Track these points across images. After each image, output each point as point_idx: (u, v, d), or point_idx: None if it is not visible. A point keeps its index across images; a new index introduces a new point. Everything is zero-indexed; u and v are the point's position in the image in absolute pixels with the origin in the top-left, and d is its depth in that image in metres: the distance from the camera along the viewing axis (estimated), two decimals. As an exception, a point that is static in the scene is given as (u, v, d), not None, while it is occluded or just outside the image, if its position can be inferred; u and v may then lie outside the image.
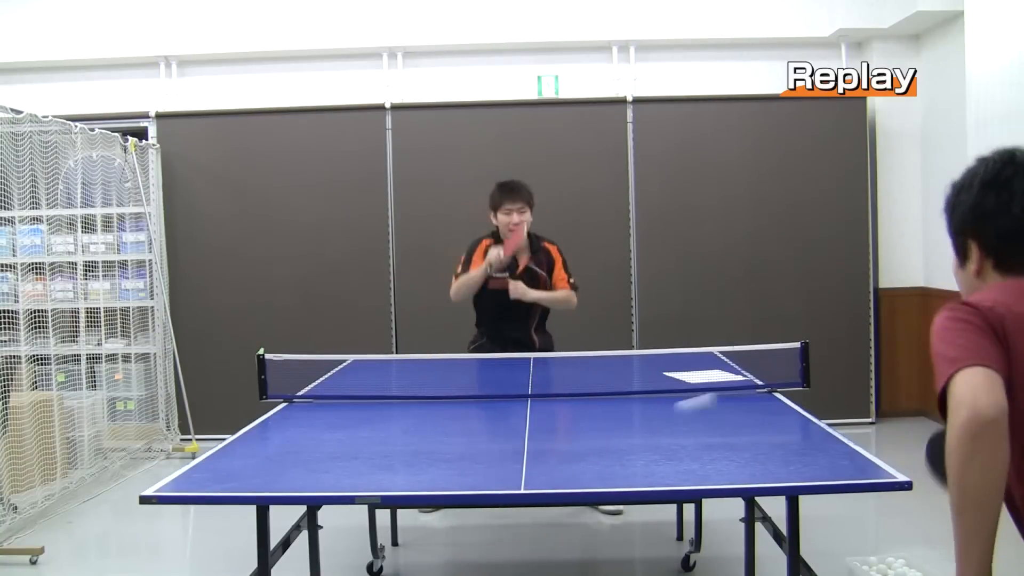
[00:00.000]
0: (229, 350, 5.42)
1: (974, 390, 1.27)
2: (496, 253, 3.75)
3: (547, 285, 3.91)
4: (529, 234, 3.90)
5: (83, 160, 5.05)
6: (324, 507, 2.80)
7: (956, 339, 1.35)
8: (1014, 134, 4.51)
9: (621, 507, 4.01)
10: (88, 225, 5.24)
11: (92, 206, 5.20)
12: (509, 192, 3.89)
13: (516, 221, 3.82)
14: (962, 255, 1.54)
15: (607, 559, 3.67)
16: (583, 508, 4.03)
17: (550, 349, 3.98)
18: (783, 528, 2.17)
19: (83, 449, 4.70)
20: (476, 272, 3.81)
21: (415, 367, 3.98)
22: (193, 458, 2.64)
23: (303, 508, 2.80)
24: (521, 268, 3.90)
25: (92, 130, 4.94)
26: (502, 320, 3.91)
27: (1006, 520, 1.37)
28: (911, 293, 5.80)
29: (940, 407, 1.34)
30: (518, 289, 3.81)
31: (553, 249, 3.98)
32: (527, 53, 5.82)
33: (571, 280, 3.94)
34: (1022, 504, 1.40)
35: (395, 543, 3.67)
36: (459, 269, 3.93)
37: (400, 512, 3.71)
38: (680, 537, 3.67)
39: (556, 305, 3.95)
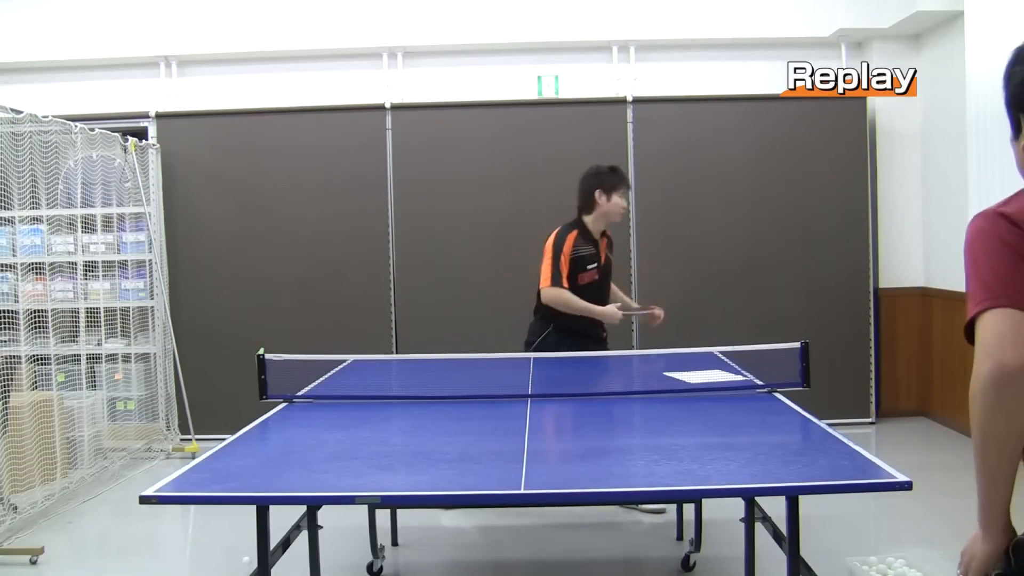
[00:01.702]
0: (229, 350, 5.42)
1: (1002, 340, 1.26)
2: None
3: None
4: None
5: (83, 160, 5.05)
6: (324, 507, 2.80)
7: (992, 262, 1.31)
8: (1014, 134, 4.51)
9: (663, 506, 3.95)
10: (88, 225, 5.24)
11: (92, 206, 5.20)
12: (624, 178, 3.97)
13: (625, 206, 3.95)
14: (1016, 128, 1.45)
15: (607, 559, 3.68)
16: (591, 510, 4.03)
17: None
18: (783, 528, 2.17)
19: (83, 449, 4.70)
20: (590, 309, 3.78)
21: (415, 367, 3.98)
22: (193, 458, 2.64)
23: (303, 508, 2.80)
24: (603, 260, 3.95)
25: (92, 130, 4.94)
26: (587, 321, 3.85)
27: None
28: (911, 293, 5.80)
29: (967, 333, 1.34)
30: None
31: (611, 236, 4.12)
32: (527, 53, 5.81)
33: None
34: None
35: (395, 543, 3.67)
36: (550, 268, 3.81)
37: (400, 512, 3.71)
38: (680, 537, 3.67)
39: None
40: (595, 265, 3.87)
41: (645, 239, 5.64)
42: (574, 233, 3.86)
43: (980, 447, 1.30)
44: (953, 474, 4.56)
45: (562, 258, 3.80)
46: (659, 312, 3.97)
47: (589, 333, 3.87)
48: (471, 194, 5.60)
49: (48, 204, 4.83)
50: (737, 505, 2.69)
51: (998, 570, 1.36)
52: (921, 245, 5.81)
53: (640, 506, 4.02)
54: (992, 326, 1.28)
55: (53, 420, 4.44)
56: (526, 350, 3.92)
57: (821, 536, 3.24)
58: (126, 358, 5.33)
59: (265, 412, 2.84)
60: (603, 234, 3.97)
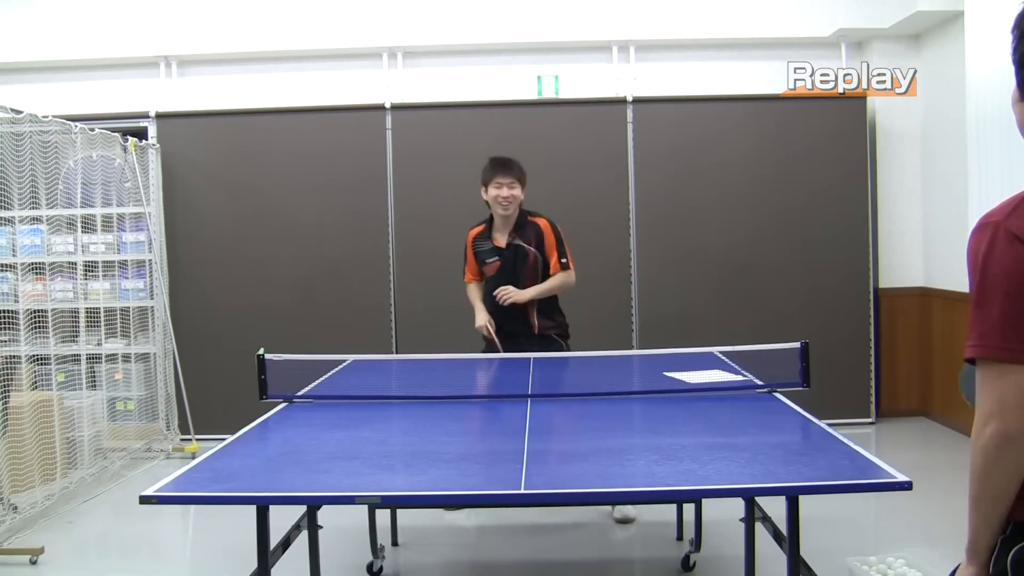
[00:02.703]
0: (229, 350, 5.42)
1: (1006, 403, 1.27)
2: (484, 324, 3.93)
3: (537, 261, 3.93)
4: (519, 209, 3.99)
5: (83, 160, 5.05)
6: (324, 507, 2.80)
7: (1007, 302, 1.27)
8: (1013, 134, 4.50)
9: (633, 515, 3.94)
10: (88, 225, 5.24)
11: (92, 206, 5.20)
12: (501, 166, 3.93)
13: (506, 195, 3.87)
14: (1022, 86, 1.39)
15: (607, 559, 3.68)
16: (591, 510, 4.02)
17: (555, 333, 3.97)
18: (783, 528, 2.17)
19: (83, 449, 4.70)
20: (474, 305, 4.03)
21: (415, 367, 3.98)
22: (193, 458, 2.64)
23: (303, 508, 2.81)
24: (504, 245, 3.95)
25: (92, 130, 4.94)
26: (500, 314, 3.96)
27: None
28: (911, 293, 5.80)
29: (968, 358, 1.33)
30: (509, 295, 3.87)
31: (542, 223, 3.99)
32: (527, 53, 5.81)
33: (562, 260, 3.95)
34: None
35: (395, 543, 3.67)
36: (465, 266, 4.14)
37: (400, 512, 3.71)
38: (680, 537, 3.67)
39: (553, 292, 3.98)
40: (495, 258, 3.97)
41: (645, 239, 5.64)
42: (476, 229, 4.07)
43: (977, 493, 1.34)
44: (953, 474, 4.55)
45: (467, 254, 4.09)
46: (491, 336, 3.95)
47: (519, 331, 3.92)
48: (471, 194, 5.56)
49: (48, 204, 4.83)
50: (737, 505, 2.69)
51: None
52: (921, 245, 5.81)
53: (614, 516, 3.99)
54: (997, 385, 1.28)
55: (53, 420, 4.44)
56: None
57: (821, 536, 3.24)
58: (126, 358, 5.33)
59: (265, 412, 2.84)
60: (522, 225, 3.94)
